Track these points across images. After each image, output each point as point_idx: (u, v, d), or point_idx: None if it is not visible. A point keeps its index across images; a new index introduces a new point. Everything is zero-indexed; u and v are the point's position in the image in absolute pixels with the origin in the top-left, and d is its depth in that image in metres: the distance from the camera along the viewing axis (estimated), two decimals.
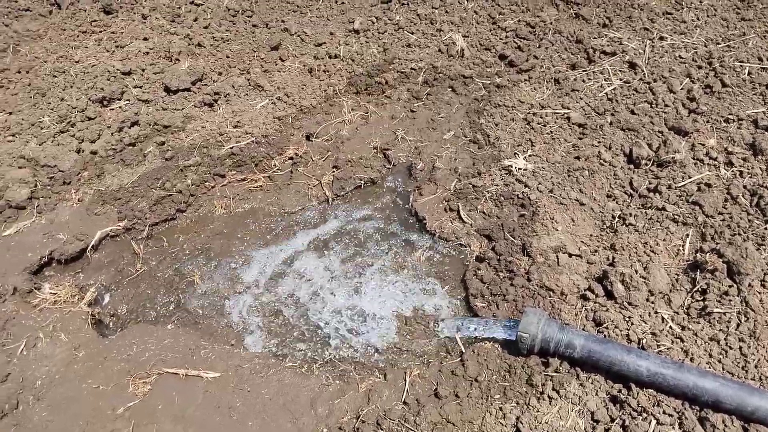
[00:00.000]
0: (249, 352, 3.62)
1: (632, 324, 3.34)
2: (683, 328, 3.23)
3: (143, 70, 5.89)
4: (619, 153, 4.46)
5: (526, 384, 3.24)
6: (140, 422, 3.28)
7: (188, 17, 6.78)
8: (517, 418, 3.09)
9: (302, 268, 4.12)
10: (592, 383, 3.17)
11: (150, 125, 5.25)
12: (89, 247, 4.29)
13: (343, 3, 6.91)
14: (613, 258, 3.68)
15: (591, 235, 3.98)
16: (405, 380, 3.33)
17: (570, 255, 3.71)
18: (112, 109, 5.51)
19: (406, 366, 3.45)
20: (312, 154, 4.82)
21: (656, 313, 3.42)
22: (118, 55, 6.14)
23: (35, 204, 4.63)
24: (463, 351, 3.42)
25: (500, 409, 3.16)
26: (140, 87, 5.73)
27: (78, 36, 6.64)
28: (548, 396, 3.15)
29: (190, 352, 3.59)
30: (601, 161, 4.39)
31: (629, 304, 3.43)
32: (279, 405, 3.31)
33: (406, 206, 4.45)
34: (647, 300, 3.48)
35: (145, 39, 6.43)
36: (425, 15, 6.22)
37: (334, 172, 4.64)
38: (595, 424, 3.03)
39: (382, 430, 3.14)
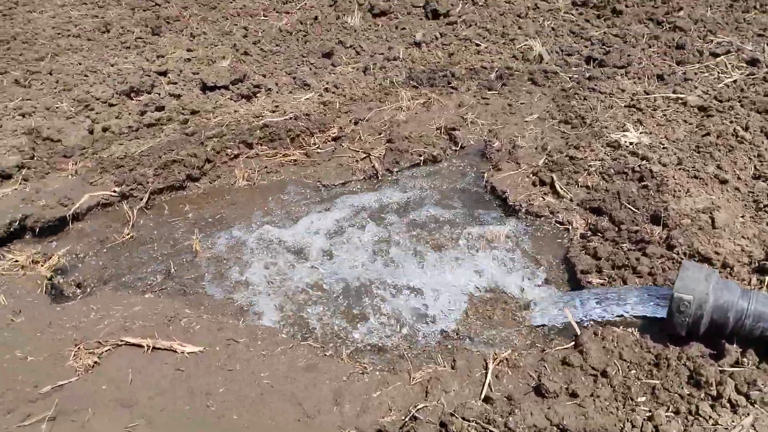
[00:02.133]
0: (249, 324, 2.46)
1: None
2: None
3: (180, 71, 5.24)
4: (760, 134, 3.38)
5: (688, 383, 1.96)
6: (67, 407, 2.13)
7: (237, 34, 6.25)
8: None
9: (341, 241, 3.03)
10: None
11: (176, 111, 4.47)
12: (71, 214, 3.32)
13: (404, 28, 6.29)
14: None
15: (743, 216, 2.80)
16: (486, 369, 2.09)
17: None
18: (139, 100, 4.79)
19: (485, 353, 2.21)
20: (361, 132, 3.89)
21: None
22: (157, 63, 5.56)
23: (22, 173, 3.77)
24: (578, 332, 2.19)
25: (650, 418, 1.87)
26: (174, 83, 5.04)
27: (120, 51, 6.15)
28: (730, 401, 1.87)
29: (165, 322, 2.47)
30: (739, 139, 3.31)
31: None
32: (284, 395, 2.10)
33: (480, 184, 3.39)
34: None
35: (189, 50, 5.88)
36: (495, 30, 5.51)
37: (387, 145, 3.66)
38: None
39: None
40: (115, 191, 3.53)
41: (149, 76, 5.05)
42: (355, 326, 2.51)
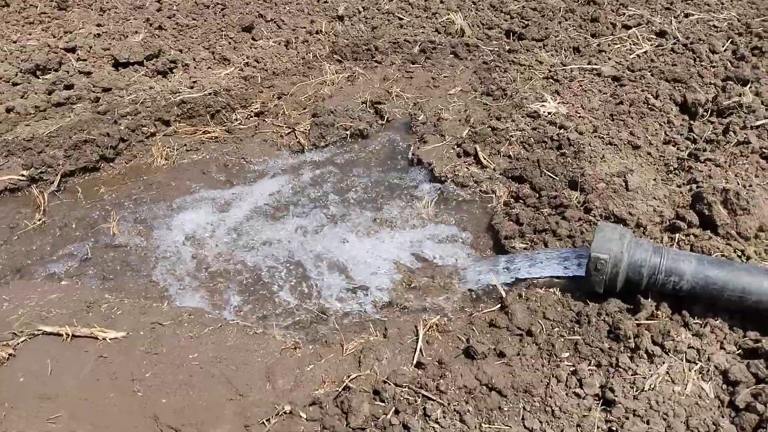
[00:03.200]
0: (173, 307, 2.38)
1: (748, 261, 2.25)
2: None
3: (90, 47, 4.92)
4: (669, 101, 3.56)
5: (608, 337, 2.07)
6: None
7: (150, 8, 5.93)
8: (603, 385, 1.89)
9: (265, 218, 2.97)
10: (712, 331, 2.02)
11: (86, 89, 4.21)
12: None
13: (326, 2, 6.18)
14: (698, 188, 2.64)
15: (654, 179, 2.96)
16: (417, 335, 2.12)
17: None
18: (46, 78, 4.48)
19: (416, 320, 2.24)
20: (285, 107, 3.81)
21: None
22: (64, 39, 5.20)
23: None
24: (504, 295, 2.25)
25: (573, 372, 1.96)
26: (84, 60, 4.74)
27: (23, 26, 5.70)
28: (647, 352, 1.99)
29: (84, 309, 2.35)
30: (650, 106, 3.48)
31: (739, 234, 2.35)
32: (214, 375, 2.05)
33: (407, 156, 3.40)
34: (756, 237, 2.41)
35: (99, 25, 5.53)
36: (417, 4, 5.50)
37: (312, 119, 3.61)
38: (732, 387, 1.85)
39: (383, 401, 1.89)
40: (23, 175, 3.31)
41: (56, 53, 4.74)
42: (285, 302, 2.48)
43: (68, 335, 2.22)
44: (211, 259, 2.75)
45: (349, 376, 2.00)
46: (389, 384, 1.95)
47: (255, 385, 2.04)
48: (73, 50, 4.84)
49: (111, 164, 3.46)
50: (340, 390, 1.97)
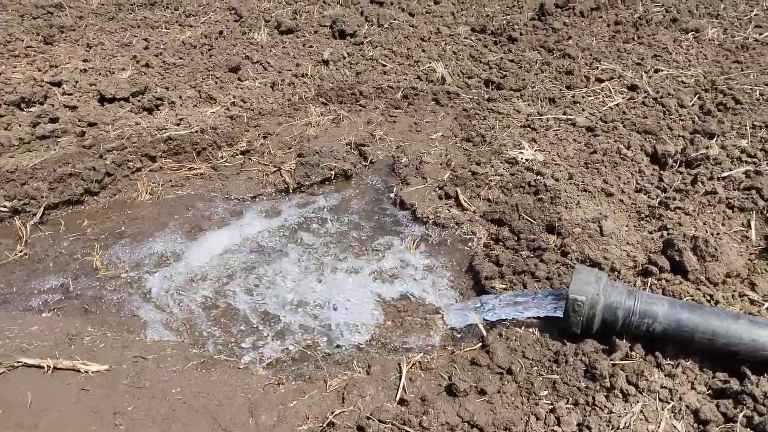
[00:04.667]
0: (157, 341, 2.39)
1: (717, 306, 2.36)
2: None
3: (76, 82, 4.98)
4: (640, 152, 3.74)
5: (585, 377, 2.14)
6: None
7: (138, 45, 6.04)
8: (581, 423, 1.95)
9: (249, 255, 3.00)
10: (683, 372, 2.10)
11: (71, 123, 4.25)
12: None
13: (311, 47, 6.37)
14: (669, 235, 2.77)
15: (627, 225, 3.09)
16: (400, 373, 2.16)
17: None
18: (30, 111, 4.50)
19: (399, 358, 2.28)
20: (271, 146, 3.89)
21: (742, 296, 2.46)
22: (50, 73, 5.25)
23: None
24: (485, 334, 2.31)
25: (552, 410, 2.02)
26: (69, 94, 4.79)
27: (8, 59, 5.75)
28: (622, 391, 2.06)
29: (66, 341, 2.34)
30: (622, 156, 3.65)
31: (708, 280, 2.47)
32: (198, 410, 2.06)
33: (390, 197, 3.49)
34: (724, 282, 2.54)
35: (85, 60, 5.60)
36: (400, 52, 5.70)
37: (298, 159, 3.69)
38: (703, 426, 1.93)
39: None
40: (5, 206, 3.30)
41: (41, 86, 4.78)
42: (269, 339, 2.50)
43: (49, 367, 2.20)
44: (195, 294, 2.76)
45: (333, 412, 2.03)
46: (373, 420, 1.97)
47: (239, 420, 2.05)
48: (58, 84, 4.88)
49: (95, 198, 3.48)
50: (324, 426, 1.98)
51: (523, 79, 4.95)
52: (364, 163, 3.85)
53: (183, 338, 2.48)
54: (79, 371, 2.20)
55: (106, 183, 3.51)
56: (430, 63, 5.29)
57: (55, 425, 2.01)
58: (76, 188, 3.40)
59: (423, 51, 5.70)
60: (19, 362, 2.22)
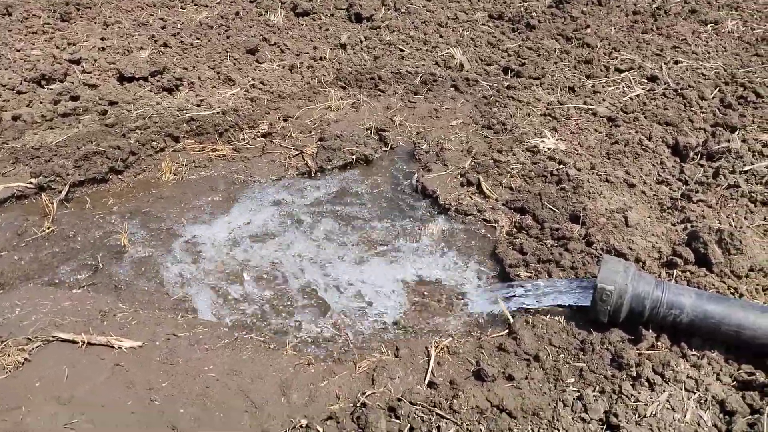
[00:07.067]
0: (190, 318, 2.42)
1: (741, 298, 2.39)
2: None
3: (95, 60, 4.98)
4: (661, 144, 3.74)
5: (611, 365, 2.17)
6: (1, 403, 1.99)
7: (155, 25, 6.01)
8: (608, 411, 1.99)
9: (276, 237, 3.03)
10: (709, 363, 2.13)
11: (92, 101, 4.25)
12: None
13: (327, 29, 6.33)
14: (693, 228, 2.78)
15: (649, 217, 3.11)
16: (428, 356, 2.20)
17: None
18: (51, 88, 4.52)
19: (427, 341, 2.32)
20: (292, 129, 3.90)
21: (765, 289, 2.48)
22: (69, 50, 5.24)
23: None
24: (512, 321, 2.34)
25: (579, 397, 2.05)
26: (89, 73, 4.79)
27: (26, 35, 5.73)
28: (648, 380, 2.09)
29: (99, 317, 2.38)
30: (644, 147, 3.65)
31: (732, 273, 2.49)
32: (230, 388, 2.10)
33: (411, 183, 3.50)
34: (747, 276, 2.56)
35: (103, 39, 5.58)
36: (417, 37, 5.67)
37: (319, 143, 3.70)
38: (729, 417, 1.96)
39: (399, 419, 1.95)
40: (31, 182, 3.33)
41: (61, 63, 4.79)
42: (297, 320, 2.54)
43: (83, 342, 2.24)
44: (222, 273, 2.80)
45: (363, 393, 2.06)
46: (404, 402, 2.01)
47: (270, 398, 2.09)
48: (77, 62, 4.89)
49: (119, 176, 3.50)
50: (355, 406, 2.02)
51: (543, 68, 4.94)
52: (384, 149, 3.86)
53: (213, 317, 2.52)
54: (112, 347, 2.24)
55: (131, 162, 3.53)
56: (448, 49, 5.26)
57: (91, 398, 2.05)
58: (101, 166, 3.42)
59: (440, 36, 5.67)
60: (53, 337, 2.26)
